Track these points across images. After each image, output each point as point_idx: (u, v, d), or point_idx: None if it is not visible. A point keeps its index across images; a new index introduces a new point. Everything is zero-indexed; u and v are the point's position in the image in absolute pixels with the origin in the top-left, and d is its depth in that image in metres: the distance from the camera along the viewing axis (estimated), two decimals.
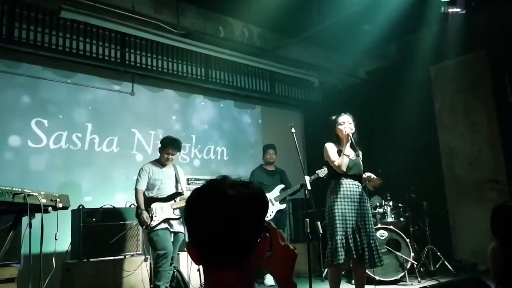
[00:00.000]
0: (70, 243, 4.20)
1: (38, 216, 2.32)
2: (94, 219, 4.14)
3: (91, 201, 4.60)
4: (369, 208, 3.43)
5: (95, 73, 5.23)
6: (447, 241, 5.42)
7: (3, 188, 2.20)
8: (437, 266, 4.83)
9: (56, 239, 2.44)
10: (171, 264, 3.92)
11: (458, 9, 4.78)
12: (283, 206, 5.02)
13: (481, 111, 5.46)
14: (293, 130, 3.46)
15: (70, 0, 4.39)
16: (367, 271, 3.50)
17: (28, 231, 2.30)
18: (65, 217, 3.88)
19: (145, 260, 4.24)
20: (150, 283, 4.01)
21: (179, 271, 4.26)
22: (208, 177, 3.93)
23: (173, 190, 4.08)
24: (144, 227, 3.90)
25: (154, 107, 5.78)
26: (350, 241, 3.21)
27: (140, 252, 4.35)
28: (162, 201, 3.96)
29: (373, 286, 3.82)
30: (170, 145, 4.02)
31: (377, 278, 4.21)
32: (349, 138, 3.31)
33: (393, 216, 4.99)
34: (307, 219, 3.18)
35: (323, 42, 6.10)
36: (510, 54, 5.06)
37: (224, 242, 0.86)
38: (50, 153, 4.79)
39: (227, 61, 6.01)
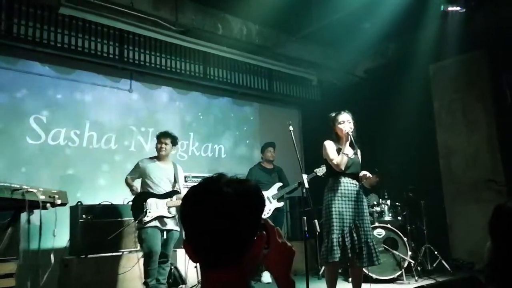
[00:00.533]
0: (69, 239, 4.20)
1: (36, 212, 2.33)
2: (92, 216, 4.15)
3: (90, 198, 4.59)
4: (367, 207, 3.44)
5: (94, 70, 5.23)
6: (444, 240, 5.44)
7: (2, 184, 2.20)
8: (434, 265, 4.85)
9: (54, 235, 2.45)
10: (165, 262, 3.91)
11: (458, 8, 4.79)
12: (281, 204, 5.03)
13: (479, 111, 5.48)
14: (291, 128, 3.45)
15: None
16: (364, 269, 3.51)
17: (27, 227, 2.31)
18: (64, 214, 3.88)
19: (143, 256, 4.24)
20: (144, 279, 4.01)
21: (176, 268, 4.28)
22: (206, 175, 3.92)
23: (168, 187, 4.02)
24: (137, 221, 3.84)
25: (152, 104, 5.77)
26: (347, 239, 3.21)
27: (138, 249, 4.35)
28: (158, 197, 3.93)
29: (370, 284, 3.84)
30: (161, 135, 4.10)
31: (374, 276, 4.23)
32: (349, 137, 3.32)
33: (390, 214, 5.00)
34: (305, 217, 3.19)
35: (322, 40, 6.09)
36: (509, 54, 5.06)
37: (219, 240, 0.86)
38: (48, 150, 4.79)
39: (226, 59, 6.00)
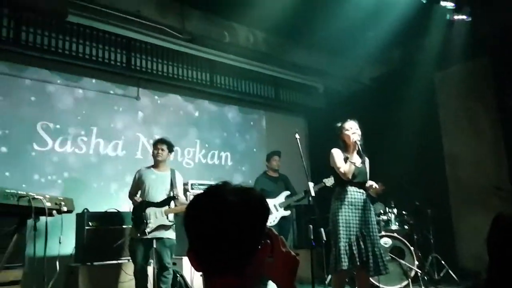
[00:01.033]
0: (74, 247, 4.21)
1: (42, 219, 2.34)
2: (98, 223, 4.15)
3: (96, 205, 4.61)
4: (374, 216, 3.41)
5: (101, 77, 5.28)
6: (451, 249, 5.37)
7: (8, 191, 2.21)
8: (441, 274, 4.78)
9: (60, 243, 2.45)
10: (166, 270, 3.85)
11: (464, 16, 4.78)
12: (288, 212, 5.00)
13: (484, 118, 5.44)
14: (297, 136, 3.45)
15: (77, 5, 4.43)
16: (371, 278, 3.48)
17: (33, 234, 2.32)
18: (70, 221, 3.90)
19: (148, 264, 4.23)
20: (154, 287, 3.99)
21: (182, 276, 4.25)
22: (212, 183, 3.91)
23: (163, 194, 3.95)
24: (138, 234, 3.77)
25: (159, 111, 5.81)
26: (354, 248, 3.19)
27: None
28: (156, 206, 3.87)
29: None
30: (157, 142, 4.12)
31: (381, 286, 4.18)
32: (356, 145, 3.30)
33: (397, 223, 4.96)
34: (311, 226, 3.17)
35: (328, 47, 6.10)
36: None
37: (223, 248, 0.86)
38: (55, 156, 4.82)
39: (232, 66, 6.02)
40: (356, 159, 3.34)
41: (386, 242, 4.55)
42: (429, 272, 4.80)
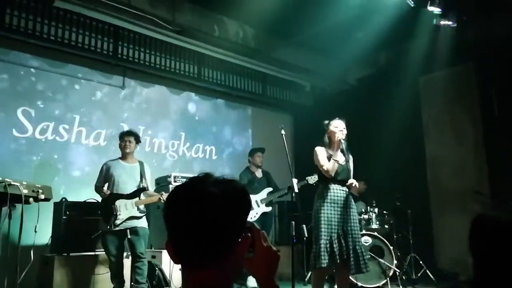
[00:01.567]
0: (51, 236, 4.12)
1: (18, 207, 2.28)
2: (76, 213, 4.07)
3: (75, 195, 4.52)
4: (356, 214, 3.45)
5: (86, 65, 5.17)
6: (429, 250, 5.48)
7: None
8: (419, 274, 4.87)
9: (36, 232, 2.39)
10: (140, 261, 3.82)
11: (450, 22, 4.87)
12: (269, 208, 5.01)
13: (467, 122, 5.55)
14: (283, 132, 3.45)
15: None
16: (350, 276, 3.51)
17: (7, 222, 2.25)
18: (47, 209, 3.81)
19: (126, 257, 4.17)
20: (130, 281, 3.94)
21: (161, 270, 4.22)
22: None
23: (132, 186, 3.94)
24: (108, 226, 3.73)
25: (145, 102, 5.73)
26: (335, 245, 3.22)
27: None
28: (126, 197, 3.84)
29: None
30: (124, 134, 4.11)
31: (360, 284, 4.23)
32: (341, 144, 3.33)
33: (377, 222, 5.02)
34: (293, 222, 3.17)
35: (316, 46, 6.14)
36: (497, 67, 5.16)
37: (201, 240, 0.85)
38: (35, 143, 4.71)
39: (220, 60, 5.98)
40: (339, 157, 3.37)
41: (366, 240, 4.61)
42: (407, 271, 4.89)
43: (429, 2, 4.56)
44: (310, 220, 3.45)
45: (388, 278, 4.45)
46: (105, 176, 3.99)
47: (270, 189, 5.06)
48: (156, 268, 4.17)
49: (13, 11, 4.36)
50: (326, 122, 3.49)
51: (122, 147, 4.04)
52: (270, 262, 0.96)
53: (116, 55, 5.14)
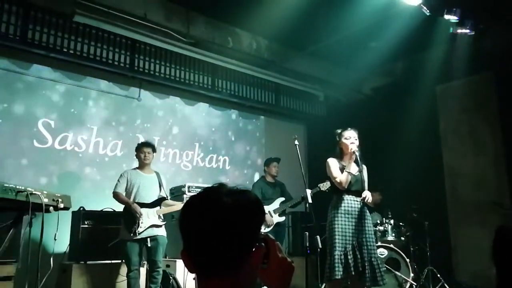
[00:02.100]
0: (69, 245, 4.20)
1: (39, 215, 2.34)
2: (93, 222, 4.15)
3: (93, 204, 4.60)
4: (371, 224, 3.40)
5: (104, 77, 5.31)
6: (447, 263, 5.35)
7: (7, 185, 2.22)
8: (436, 287, 4.76)
9: (55, 240, 2.45)
10: (156, 270, 3.86)
11: (467, 30, 4.81)
12: (282, 218, 4.99)
13: (486, 133, 5.44)
14: (296, 142, 3.45)
15: (84, 5, 4.47)
16: None
17: (28, 230, 2.31)
18: (66, 218, 3.89)
19: (142, 265, 4.22)
20: None
21: (175, 279, 4.23)
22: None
23: (154, 195, 4.03)
24: (131, 234, 3.79)
25: (160, 113, 5.82)
26: (349, 257, 3.18)
27: None
28: (148, 206, 3.93)
29: None
30: (142, 145, 4.18)
31: None
32: (354, 155, 3.32)
33: (393, 234, 4.94)
34: (307, 233, 3.16)
35: (330, 56, 6.13)
36: None
37: (216, 250, 0.86)
38: (55, 154, 4.83)
39: (234, 71, 6.06)
40: (353, 167, 3.35)
41: (382, 252, 4.54)
42: (424, 285, 4.78)
43: (446, 10, 4.52)
44: (324, 231, 3.43)
45: None
46: (126, 185, 4.05)
47: (283, 199, 5.04)
48: (171, 277, 4.19)
49: (35, 27, 4.53)
50: (339, 131, 3.48)
51: (142, 159, 4.11)
52: (284, 274, 0.97)
53: (133, 68, 5.27)
